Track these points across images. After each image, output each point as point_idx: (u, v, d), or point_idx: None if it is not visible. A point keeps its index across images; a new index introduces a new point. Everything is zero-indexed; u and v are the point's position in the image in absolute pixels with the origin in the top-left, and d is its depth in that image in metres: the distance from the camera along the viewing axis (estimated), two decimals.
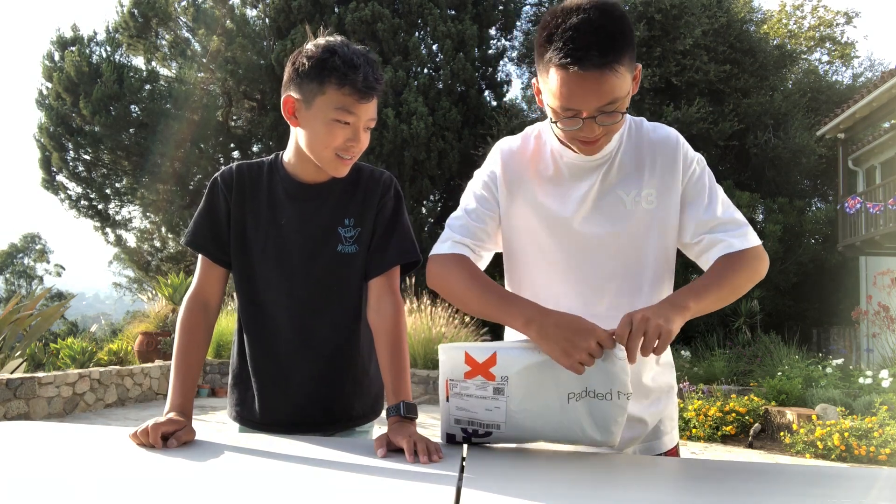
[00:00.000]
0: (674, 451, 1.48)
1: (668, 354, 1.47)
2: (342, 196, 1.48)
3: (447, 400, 1.26)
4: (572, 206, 1.36)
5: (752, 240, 1.34)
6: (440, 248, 1.40)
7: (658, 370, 1.46)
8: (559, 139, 1.36)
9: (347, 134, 1.37)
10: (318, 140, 1.38)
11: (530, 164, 1.40)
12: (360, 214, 1.48)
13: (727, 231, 1.34)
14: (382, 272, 1.47)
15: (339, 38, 1.39)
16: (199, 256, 1.50)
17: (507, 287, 1.49)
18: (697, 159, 1.40)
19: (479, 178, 1.45)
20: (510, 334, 1.46)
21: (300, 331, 1.47)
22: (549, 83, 1.21)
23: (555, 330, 1.16)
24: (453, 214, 1.44)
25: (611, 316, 1.28)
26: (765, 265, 1.35)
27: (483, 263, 1.43)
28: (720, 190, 1.40)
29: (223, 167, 1.54)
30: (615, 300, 1.37)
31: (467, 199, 1.44)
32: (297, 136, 1.43)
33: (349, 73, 1.32)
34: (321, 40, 1.38)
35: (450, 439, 1.31)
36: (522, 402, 1.21)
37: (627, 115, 1.34)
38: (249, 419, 1.53)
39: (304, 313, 1.47)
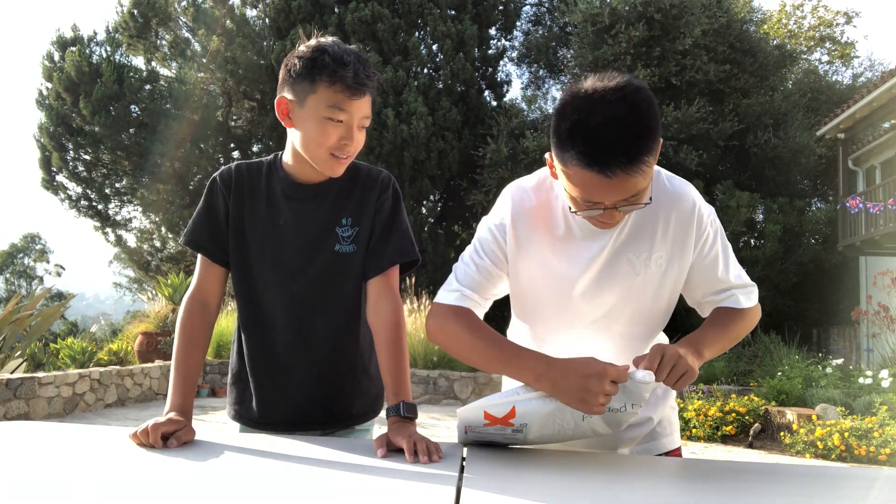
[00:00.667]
0: (675, 454, 1.48)
1: None
2: (340, 195, 1.48)
3: (465, 433, 1.29)
4: (580, 266, 1.32)
5: (755, 299, 1.40)
6: (445, 297, 1.35)
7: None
8: None
9: (341, 132, 1.37)
10: (312, 140, 1.38)
11: (541, 220, 1.34)
12: (357, 214, 1.48)
13: (737, 289, 1.38)
14: (381, 272, 1.46)
15: (330, 38, 1.39)
16: (199, 256, 1.50)
17: (513, 323, 1.49)
18: (711, 220, 1.35)
19: (490, 224, 1.37)
20: (509, 381, 1.47)
21: (299, 330, 1.47)
22: (570, 176, 1.15)
23: (566, 380, 1.14)
24: (462, 261, 1.38)
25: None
26: (758, 318, 1.42)
27: (485, 310, 1.39)
28: (730, 249, 1.39)
29: (222, 167, 1.54)
30: (615, 354, 1.38)
31: (476, 247, 1.37)
32: (292, 137, 1.43)
33: (339, 70, 1.32)
34: (312, 41, 1.39)
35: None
36: (539, 432, 1.23)
37: None
38: (249, 419, 1.53)
39: (303, 313, 1.47)
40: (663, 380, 1.15)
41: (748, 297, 1.38)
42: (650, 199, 1.20)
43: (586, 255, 1.32)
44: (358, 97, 1.35)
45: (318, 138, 1.37)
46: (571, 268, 1.33)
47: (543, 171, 1.36)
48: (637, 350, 1.33)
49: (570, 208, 1.22)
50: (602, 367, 1.13)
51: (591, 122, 1.09)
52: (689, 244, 1.32)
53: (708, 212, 1.34)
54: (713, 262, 1.35)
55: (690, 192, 1.33)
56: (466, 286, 1.34)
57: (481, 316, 1.36)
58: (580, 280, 1.33)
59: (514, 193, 1.36)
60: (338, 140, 1.37)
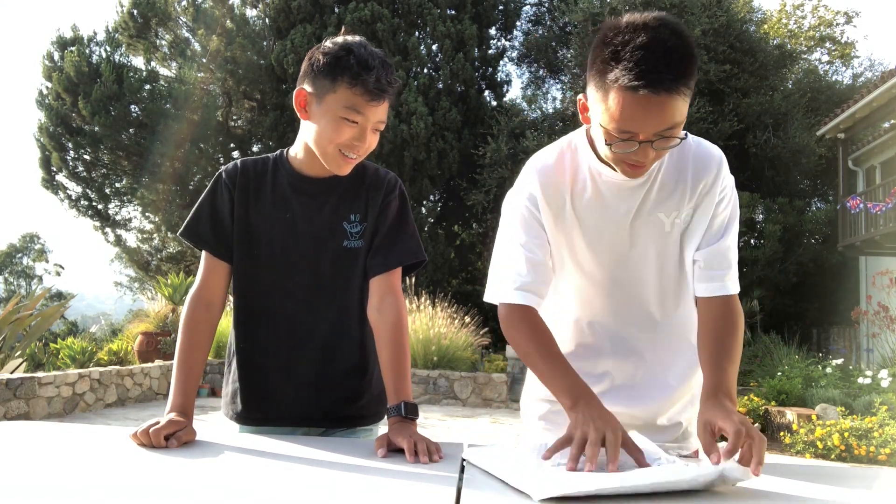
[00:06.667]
0: (696, 454, 1.46)
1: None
2: (348, 191, 1.48)
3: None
4: (613, 227, 1.34)
5: (735, 286, 1.36)
6: (506, 295, 1.33)
7: (694, 372, 1.44)
8: (600, 157, 1.29)
9: (354, 132, 1.36)
10: (324, 135, 1.37)
11: (568, 184, 1.34)
12: (365, 210, 1.48)
13: (724, 270, 1.35)
14: (386, 270, 1.46)
15: (357, 38, 1.38)
16: (203, 253, 1.49)
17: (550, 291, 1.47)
18: (731, 185, 1.37)
19: (520, 202, 1.36)
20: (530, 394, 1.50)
21: (302, 327, 1.47)
22: (609, 104, 1.14)
23: (590, 411, 1.12)
24: (506, 249, 1.36)
25: (645, 328, 1.37)
26: (741, 321, 1.35)
27: (542, 298, 1.35)
28: (737, 223, 1.39)
29: (226, 164, 1.54)
30: (647, 311, 1.39)
31: (515, 229, 1.36)
32: (305, 130, 1.43)
33: (362, 73, 1.32)
34: (339, 38, 1.38)
35: None
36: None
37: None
38: (248, 417, 1.52)
39: (307, 310, 1.47)
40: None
41: (734, 282, 1.36)
42: (685, 135, 1.19)
43: (615, 216, 1.33)
44: (377, 102, 1.35)
45: (330, 135, 1.37)
46: (604, 228, 1.34)
47: (562, 140, 1.38)
48: (665, 315, 1.37)
49: (605, 141, 1.19)
50: (622, 433, 1.08)
51: (638, 42, 1.10)
52: (714, 198, 1.33)
53: (730, 175, 1.37)
54: (719, 217, 1.35)
55: (717, 152, 1.35)
56: (522, 277, 1.32)
57: (542, 304, 1.34)
58: (613, 240, 1.35)
59: (537, 164, 1.37)
60: (349, 139, 1.37)
